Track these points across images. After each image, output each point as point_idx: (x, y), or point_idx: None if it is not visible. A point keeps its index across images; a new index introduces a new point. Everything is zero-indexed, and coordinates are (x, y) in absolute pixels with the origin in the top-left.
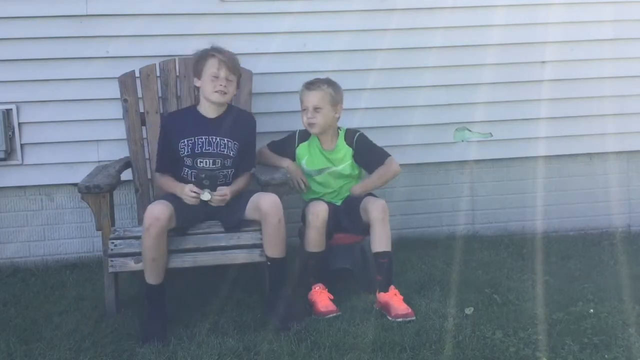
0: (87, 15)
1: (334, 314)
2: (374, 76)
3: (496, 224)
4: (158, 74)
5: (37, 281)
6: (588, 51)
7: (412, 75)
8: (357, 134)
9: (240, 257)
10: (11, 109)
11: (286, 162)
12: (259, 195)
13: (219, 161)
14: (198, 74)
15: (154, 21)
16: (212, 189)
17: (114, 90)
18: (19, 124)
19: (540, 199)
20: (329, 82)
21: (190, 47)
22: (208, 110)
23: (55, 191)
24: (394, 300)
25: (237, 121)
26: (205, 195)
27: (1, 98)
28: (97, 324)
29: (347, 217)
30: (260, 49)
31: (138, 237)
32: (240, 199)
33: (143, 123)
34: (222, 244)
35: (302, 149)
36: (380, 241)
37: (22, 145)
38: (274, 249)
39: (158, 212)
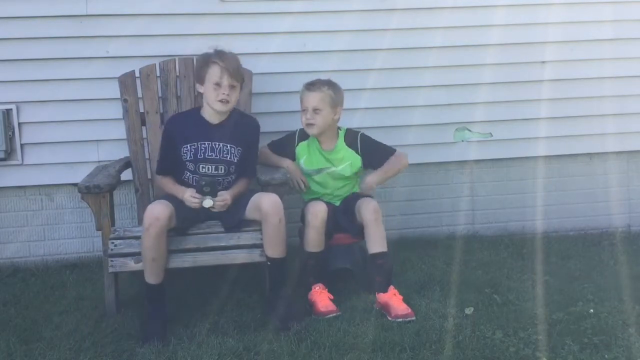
0: (87, 15)
1: (334, 314)
2: (374, 76)
3: (496, 224)
4: (158, 74)
5: (37, 281)
6: (588, 51)
7: (412, 75)
8: (359, 134)
9: (240, 257)
10: (11, 109)
11: (286, 162)
12: (260, 196)
13: (222, 167)
14: (200, 80)
15: (154, 21)
16: (213, 195)
17: (114, 90)
18: (19, 124)
19: (540, 199)
20: (330, 84)
21: (190, 47)
22: (211, 115)
23: (55, 191)
24: (394, 300)
25: (241, 126)
26: (207, 202)
27: (1, 98)
28: (97, 324)
29: (346, 217)
30: (260, 49)
31: (138, 237)
32: (240, 199)
33: (143, 123)
34: (222, 244)
35: (301, 148)
36: (375, 242)
37: (22, 145)
38: (274, 249)
39: (158, 212)
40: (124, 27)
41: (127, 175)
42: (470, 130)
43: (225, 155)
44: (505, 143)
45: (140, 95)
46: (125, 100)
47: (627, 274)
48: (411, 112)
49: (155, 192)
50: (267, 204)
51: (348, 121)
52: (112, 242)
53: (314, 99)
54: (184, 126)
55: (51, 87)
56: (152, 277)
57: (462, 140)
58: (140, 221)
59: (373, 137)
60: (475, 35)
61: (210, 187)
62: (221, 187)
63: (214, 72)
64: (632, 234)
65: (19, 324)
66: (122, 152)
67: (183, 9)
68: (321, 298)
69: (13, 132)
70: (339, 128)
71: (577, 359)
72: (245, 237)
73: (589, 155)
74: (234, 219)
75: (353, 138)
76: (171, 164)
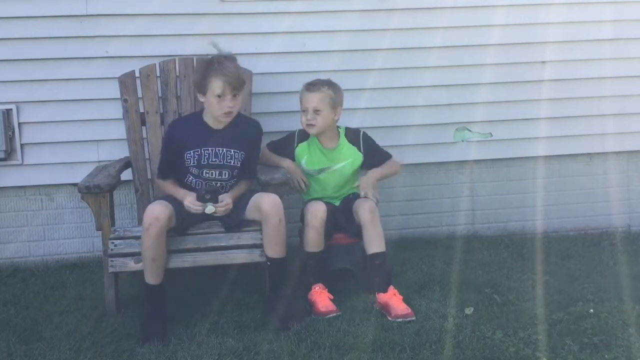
0: (87, 15)
1: (334, 314)
2: (374, 76)
3: (496, 224)
4: (158, 74)
5: (37, 281)
6: (588, 51)
7: (412, 75)
8: (361, 132)
9: (240, 257)
10: (11, 109)
11: (286, 162)
12: (260, 196)
13: (226, 172)
14: (202, 91)
15: (154, 21)
16: (214, 201)
17: (114, 90)
18: (19, 124)
19: (540, 199)
20: (330, 84)
21: (190, 47)
22: (214, 121)
23: (55, 191)
24: (394, 300)
25: (243, 130)
26: (209, 209)
27: (1, 98)
28: (97, 324)
29: (345, 217)
30: (260, 49)
31: (138, 237)
32: (240, 199)
33: (143, 123)
34: (222, 244)
35: (301, 149)
36: (373, 243)
37: (22, 145)
38: (274, 249)
39: (157, 212)
40: (124, 27)
41: (127, 175)
42: (470, 130)
43: (229, 161)
44: (505, 143)
45: (140, 95)
46: (125, 100)
47: (627, 274)
48: (411, 112)
49: (155, 192)
50: (267, 204)
51: (348, 121)
52: (112, 242)
53: (314, 99)
54: (186, 132)
55: (51, 87)
56: (152, 277)
57: (462, 140)
58: (140, 221)
59: (373, 137)
60: (475, 35)
61: (211, 195)
62: (222, 191)
63: (216, 85)
64: (632, 234)
65: (19, 324)
66: (122, 152)
67: (183, 9)
68: (321, 298)
69: (13, 132)
70: (338, 127)
71: (577, 359)
72: (245, 237)
73: (589, 155)
74: (234, 219)
75: (355, 135)
76: (172, 168)
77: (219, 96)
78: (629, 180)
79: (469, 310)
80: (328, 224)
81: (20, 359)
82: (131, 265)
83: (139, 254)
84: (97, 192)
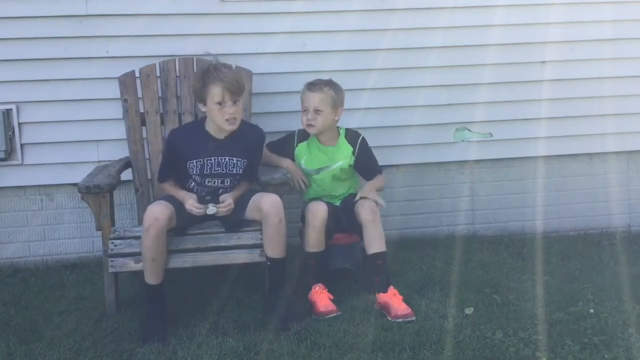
0: (87, 15)
1: (334, 314)
2: (374, 76)
3: (496, 224)
4: (158, 74)
5: (37, 281)
6: (588, 51)
7: (412, 75)
8: (361, 136)
9: (240, 257)
10: (11, 109)
11: (286, 162)
12: (260, 196)
13: (228, 180)
14: (202, 100)
15: (154, 21)
16: (215, 202)
17: (114, 90)
18: (19, 124)
19: (540, 199)
20: (331, 84)
21: (190, 47)
22: (217, 130)
23: (55, 191)
24: (394, 300)
25: (246, 138)
26: (211, 209)
27: (1, 98)
28: (97, 324)
29: (346, 217)
30: (260, 49)
31: (138, 237)
32: (240, 199)
33: (143, 123)
34: (222, 244)
35: (301, 149)
36: (373, 243)
37: (22, 145)
38: (274, 249)
39: (158, 212)
40: (124, 27)
41: (127, 175)
42: (470, 130)
43: (232, 169)
44: (505, 143)
45: (140, 95)
46: (125, 100)
47: (627, 274)
48: (411, 112)
49: (155, 192)
50: (267, 204)
51: (348, 121)
52: (112, 242)
53: (315, 99)
54: (188, 141)
55: (51, 87)
56: (152, 278)
57: (462, 140)
58: (140, 221)
59: (373, 137)
60: (475, 35)
61: (211, 196)
62: (223, 192)
63: (214, 93)
64: (632, 234)
65: (19, 324)
66: (122, 152)
67: (183, 9)
68: (321, 298)
69: (13, 132)
70: (338, 128)
71: (577, 359)
72: (245, 237)
73: (589, 155)
74: (234, 219)
75: (354, 137)
76: (173, 173)
77: (219, 103)
78: (629, 180)
79: (469, 310)
80: (329, 223)
81: (20, 359)
82: (131, 265)
83: (139, 254)
84: (97, 192)
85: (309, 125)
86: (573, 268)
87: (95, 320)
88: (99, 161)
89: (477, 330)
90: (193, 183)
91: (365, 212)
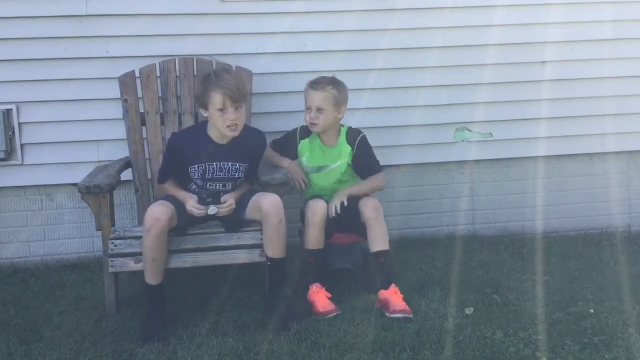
0: (87, 15)
1: (334, 313)
2: (374, 76)
3: (496, 224)
4: (158, 74)
5: (37, 281)
6: (588, 51)
7: (412, 75)
8: (360, 135)
9: (240, 257)
10: (11, 109)
11: (286, 162)
12: (260, 195)
13: (230, 184)
14: (204, 105)
15: (154, 21)
16: (216, 203)
17: (114, 90)
18: (19, 124)
19: (540, 199)
20: (334, 83)
21: (190, 47)
22: (219, 136)
23: (55, 191)
24: (394, 297)
25: (248, 142)
26: (212, 209)
27: (1, 98)
28: (97, 324)
29: (346, 217)
30: (260, 49)
31: (138, 237)
32: (240, 199)
33: (143, 123)
34: (222, 244)
35: (303, 146)
36: (377, 241)
37: (22, 145)
38: (274, 249)
39: (159, 212)
40: (124, 27)
41: (127, 175)
42: (470, 130)
43: (234, 174)
44: (505, 143)
45: (140, 95)
46: (125, 100)
47: (627, 274)
48: (411, 112)
49: (155, 192)
50: (267, 204)
51: (348, 121)
52: (112, 242)
53: (318, 98)
54: (190, 146)
55: (51, 87)
56: (152, 278)
57: (462, 140)
58: (140, 221)
59: (373, 137)
60: (475, 35)
61: (212, 198)
62: (223, 194)
63: (216, 99)
64: (632, 234)
65: (19, 324)
66: (122, 152)
67: (183, 9)
68: (319, 297)
69: (13, 132)
70: (341, 126)
71: (577, 359)
72: (245, 237)
73: (589, 155)
74: (234, 218)
75: (354, 136)
76: (173, 174)
77: (220, 110)
78: (629, 180)
79: (469, 310)
80: (328, 222)
81: (20, 359)
82: (131, 265)
83: (139, 254)
84: (97, 192)
85: (312, 123)
86: (573, 268)
87: (95, 320)
88: (99, 161)
89: (477, 330)
90: (194, 186)
91: (369, 210)
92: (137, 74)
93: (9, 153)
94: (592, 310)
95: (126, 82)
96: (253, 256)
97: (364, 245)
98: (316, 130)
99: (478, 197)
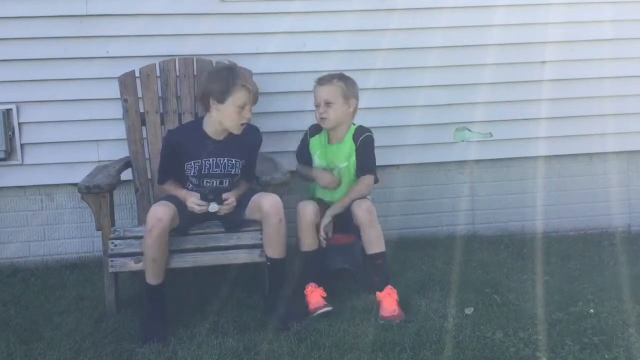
0: (87, 15)
1: (323, 310)
2: (374, 76)
3: (496, 224)
4: (158, 74)
5: (37, 281)
6: (588, 51)
7: (412, 75)
8: (366, 134)
9: (240, 257)
10: (11, 109)
11: (314, 172)
12: (260, 195)
13: (227, 180)
14: (221, 100)
15: (154, 21)
16: (218, 201)
17: (114, 90)
18: (19, 124)
19: (540, 199)
20: (341, 77)
21: (190, 47)
22: (216, 132)
23: (55, 191)
24: (386, 300)
25: (245, 139)
26: (213, 207)
27: (1, 98)
28: (97, 324)
29: (343, 218)
30: (260, 49)
31: (138, 237)
32: (240, 199)
33: (143, 123)
34: (222, 244)
35: (314, 143)
36: (372, 243)
37: (22, 145)
38: (274, 249)
39: (161, 213)
40: (124, 27)
41: (127, 175)
42: (470, 130)
43: (230, 170)
44: (505, 143)
45: (140, 95)
46: (125, 100)
47: (627, 274)
48: (411, 112)
49: (155, 192)
50: (267, 204)
51: None
52: (112, 242)
53: (325, 91)
54: (186, 142)
55: (51, 87)
56: (152, 278)
57: (462, 140)
58: (140, 221)
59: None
60: (475, 35)
61: (214, 195)
62: (224, 189)
63: (241, 96)
64: (632, 234)
65: (19, 324)
66: (122, 152)
67: (183, 9)
68: (313, 297)
69: (13, 132)
70: (353, 124)
71: (577, 359)
72: (245, 237)
73: (589, 155)
74: (234, 218)
75: (360, 134)
76: (172, 174)
77: (241, 107)
78: (629, 180)
79: (469, 310)
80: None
81: (20, 359)
82: (131, 265)
83: (139, 254)
84: (97, 192)
85: (322, 119)
86: (573, 268)
87: (95, 320)
88: (99, 161)
89: (477, 330)
90: (191, 185)
91: (362, 212)
92: (137, 74)
93: (9, 153)
94: (592, 310)
95: (126, 82)
96: (253, 256)
97: (363, 246)
98: (327, 126)
99: (478, 197)
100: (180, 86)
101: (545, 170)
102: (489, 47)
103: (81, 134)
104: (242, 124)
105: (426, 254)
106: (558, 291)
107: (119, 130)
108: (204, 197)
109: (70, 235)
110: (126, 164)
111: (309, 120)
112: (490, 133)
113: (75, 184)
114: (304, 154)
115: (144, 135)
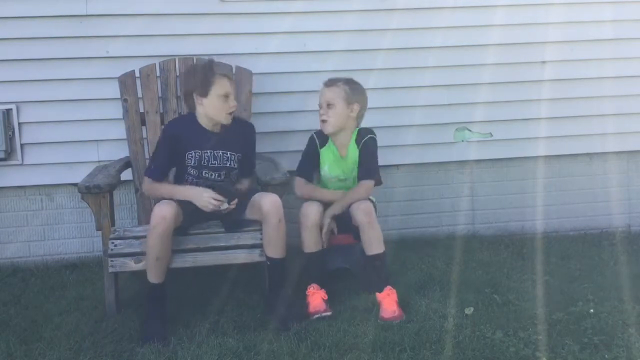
0: (87, 15)
1: (321, 314)
2: (374, 76)
3: (496, 224)
4: (158, 74)
5: (37, 281)
6: (588, 51)
7: (412, 75)
8: (368, 136)
9: (240, 257)
10: (11, 109)
11: (331, 194)
12: (260, 195)
13: (223, 173)
14: (204, 93)
15: (154, 21)
16: (229, 199)
17: (114, 90)
18: (19, 124)
19: (540, 199)
20: (347, 81)
21: (190, 47)
22: (211, 125)
23: (55, 191)
24: (386, 301)
25: (238, 132)
26: (223, 205)
27: (1, 98)
28: (97, 324)
29: (345, 218)
30: (260, 49)
31: (138, 237)
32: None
33: (143, 123)
34: (222, 244)
35: (323, 155)
36: (371, 244)
37: (22, 145)
38: (274, 249)
39: (165, 211)
40: (124, 27)
41: (127, 175)
42: (470, 130)
43: (226, 162)
44: (505, 143)
45: (140, 95)
46: (125, 100)
47: (627, 274)
48: (411, 112)
49: (143, 200)
50: (267, 204)
51: None
52: (112, 242)
53: (328, 93)
54: (187, 132)
55: (51, 87)
56: (154, 277)
57: (462, 140)
58: (140, 221)
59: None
60: (475, 35)
61: (229, 194)
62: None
63: (222, 85)
64: (632, 234)
65: (19, 324)
66: (122, 152)
67: (183, 9)
68: (313, 299)
69: (13, 132)
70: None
71: (577, 359)
72: (245, 237)
73: (589, 155)
74: (235, 219)
75: (362, 136)
76: (169, 168)
77: (225, 96)
78: (629, 180)
79: (469, 310)
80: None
81: (20, 359)
82: (131, 265)
83: (139, 254)
84: (97, 192)
85: (323, 121)
86: (573, 268)
87: (95, 320)
88: (99, 161)
89: (477, 330)
90: (190, 177)
91: (360, 214)
92: (137, 74)
93: (9, 153)
94: (592, 310)
95: (126, 82)
96: (253, 256)
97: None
98: (327, 131)
99: (478, 197)
100: (180, 86)
101: (545, 170)
102: (489, 47)
103: (81, 134)
104: (230, 113)
105: (426, 254)
106: (558, 291)
107: (119, 130)
108: (219, 192)
109: (70, 235)
110: (126, 164)
111: (309, 120)
112: (490, 133)
113: (75, 184)
114: (311, 160)
115: (144, 135)
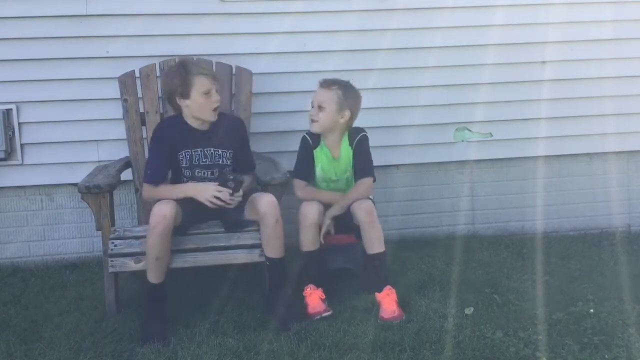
0: (87, 15)
1: (322, 314)
2: (374, 76)
3: (496, 224)
4: (158, 74)
5: (37, 281)
6: (588, 51)
7: (412, 75)
8: (361, 134)
9: (240, 257)
10: (11, 109)
11: (335, 195)
12: (257, 196)
13: (215, 170)
14: (185, 95)
15: (154, 21)
16: (236, 190)
17: (114, 90)
18: (19, 124)
19: (540, 199)
20: (343, 85)
21: (190, 47)
22: (198, 123)
23: (55, 191)
24: (385, 301)
25: (228, 129)
26: (228, 196)
27: (1, 98)
28: (97, 324)
29: (346, 217)
30: (260, 49)
31: (138, 237)
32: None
33: (143, 123)
34: (222, 244)
35: (317, 154)
36: (372, 244)
37: (22, 145)
38: (273, 249)
39: (165, 210)
40: (124, 27)
41: (127, 175)
42: (470, 130)
43: (218, 160)
44: (505, 143)
45: (140, 95)
46: (125, 100)
47: (627, 274)
48: (411, 112)
49: (143, 204)
50: (264, 205)
51: None
52: (112, 242)
53: (321, 95)
54: (175, 133)
55: (51, 87)
56: (154, 276)
57: (462, 140)
58: (140, 221)
59: (373, 137)
60: (475, 35)
61: (235, 183)
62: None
63: (202, 83)
64: (632, 234)
65: (19, 324)
66: (122, 152)
67: (183, 9)
68: (312, 299)
69: (13, 132)
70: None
71: (577, 359)
72: (245, 237)
73: (589, 155)
74: (234, 218)
75: (354, 136)
76: (167, 170)
77: (206, 93)
78: (629, 180)
79: (469, 310)
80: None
81: (20, 359)
82: (131, 265)
83: (139, 254)
84: (97, 192)
85: (311, 120)
86: (573, 268)
87: (95, 320)
88: (99, 161)
89: (477, 330)
90: (185, 178)
91: (362, 213)
92: (137, 74)
93: (9, 153)
94: (592, 310)
95: (126, 82)
96: (253, 256)
97: (364, 246)
98: (315, 130)
99: (478, 197)
100: (162, 91)
101: (545, 170)
102: (489, 47)
103: (81, 134)
104: (214, 109)
105: (426, 254)
106: (558, 291)
107: (119, 130)
108: (223, 184)
109: (70, 235)
110: (126, 164)
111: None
112: (490, 133)
113: (75, 184)
114: (307, 166)
115: (144, 135)
